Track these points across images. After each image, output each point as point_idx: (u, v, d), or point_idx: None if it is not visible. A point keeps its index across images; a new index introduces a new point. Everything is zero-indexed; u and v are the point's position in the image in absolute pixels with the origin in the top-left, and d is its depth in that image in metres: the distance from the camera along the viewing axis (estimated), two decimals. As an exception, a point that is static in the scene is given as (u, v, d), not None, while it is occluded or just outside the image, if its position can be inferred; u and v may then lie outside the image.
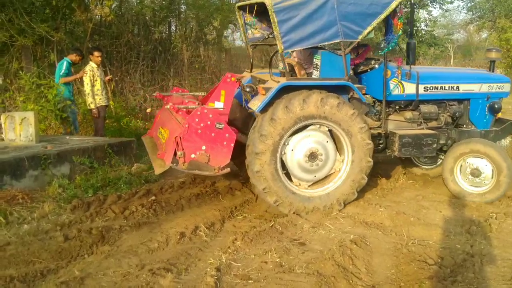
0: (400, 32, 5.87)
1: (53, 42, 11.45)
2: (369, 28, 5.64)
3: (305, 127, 5.63)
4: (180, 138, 5.43)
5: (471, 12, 27.03)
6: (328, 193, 5.76)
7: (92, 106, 8.41)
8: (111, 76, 8.87)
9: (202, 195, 6.41)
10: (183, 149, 5.41)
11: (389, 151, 6.27)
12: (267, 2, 5.25)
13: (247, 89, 5.95)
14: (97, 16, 13.74)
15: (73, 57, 8.90)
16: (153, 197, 6.19)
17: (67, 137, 8.14)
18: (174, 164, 5.46)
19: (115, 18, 13.88)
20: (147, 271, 4.09)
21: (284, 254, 4.46)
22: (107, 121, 9.61)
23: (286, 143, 5.59)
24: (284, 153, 5.63)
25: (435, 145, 6.13)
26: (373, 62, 6.58)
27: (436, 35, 25.23)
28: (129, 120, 11.04)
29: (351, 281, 3.92)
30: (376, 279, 3.98)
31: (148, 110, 8.63)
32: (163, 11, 16.34)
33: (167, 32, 17.68)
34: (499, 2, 24.21)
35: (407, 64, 6.46)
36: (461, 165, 6.10)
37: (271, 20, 5.34)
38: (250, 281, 3.96)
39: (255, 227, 5.21)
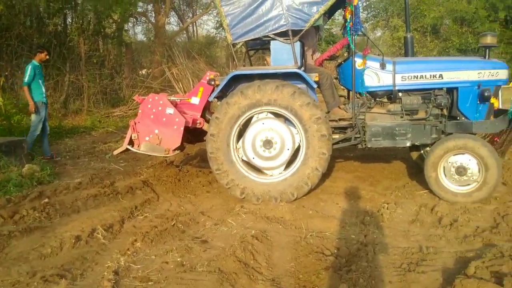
0: (349, 20, 5.85)
1: None
2: (316, 16, 5.74)
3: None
4: (135, 123, 6.17)
5: (366, 11, 28.45)
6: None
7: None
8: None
9: (100, 195, 6.20)
10: (137, 132, 6.13)
11: (363, 142, 6.18)
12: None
13: (212, 83, 6.40)
14: (-16, 7, 12.80)
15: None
16: (46, 200, 5.91)
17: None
18: (131, 145, 6.23)
19: (5, 9, 13.07)
20: (39, 279, 3.89)
21: (185, 253, 4.41)
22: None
23: None
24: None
25: (409, 135, 6.00)
26: (345, 54, 6.63)
27: (334, 33, 26.23)
28: (21, 118, 10.38)
29: (252, 276, 3.96)
30: (276, 273, 4.05)
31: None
32: (58, 3, 15.57)
33: (62, 25, 16.87)
34: (391, 2, 25.62)
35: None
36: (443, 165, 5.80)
37: (219, 13, 5.74)
38: (150, 283, 3.86)
39: (156, 226, 5.11)
